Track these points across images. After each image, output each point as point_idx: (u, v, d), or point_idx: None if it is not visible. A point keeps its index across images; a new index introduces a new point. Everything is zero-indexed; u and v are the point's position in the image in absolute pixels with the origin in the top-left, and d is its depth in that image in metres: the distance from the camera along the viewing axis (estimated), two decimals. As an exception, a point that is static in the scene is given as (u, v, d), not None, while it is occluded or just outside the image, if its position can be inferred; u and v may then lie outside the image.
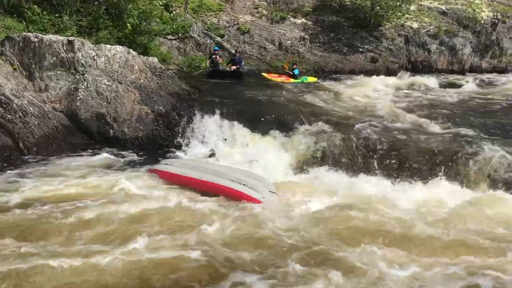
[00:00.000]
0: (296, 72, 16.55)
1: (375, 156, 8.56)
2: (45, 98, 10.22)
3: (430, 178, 7.97)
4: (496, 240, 5.86)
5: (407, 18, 23.15)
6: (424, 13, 24.20)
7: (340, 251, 5.47)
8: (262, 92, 12.81)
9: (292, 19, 22.07)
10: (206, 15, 20.85)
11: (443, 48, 22.40)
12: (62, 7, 14.04)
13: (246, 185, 7.19)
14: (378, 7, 21.79)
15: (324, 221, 6.34)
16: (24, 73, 10.33)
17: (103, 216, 6.29)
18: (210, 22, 20.11)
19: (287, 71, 16.82)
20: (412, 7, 23.82)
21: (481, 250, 5.53)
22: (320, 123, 9.68)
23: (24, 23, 13.02)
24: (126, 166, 8.79)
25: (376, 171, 8.32)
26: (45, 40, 10.41)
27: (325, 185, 7.75)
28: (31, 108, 9.56)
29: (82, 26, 14.36)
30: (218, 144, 9.85)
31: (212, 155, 9.53)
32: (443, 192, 7.48)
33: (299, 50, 20.33)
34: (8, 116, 9.00)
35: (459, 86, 17.28)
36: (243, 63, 16.03)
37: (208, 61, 15.72)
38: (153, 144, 10.08)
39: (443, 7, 24.93)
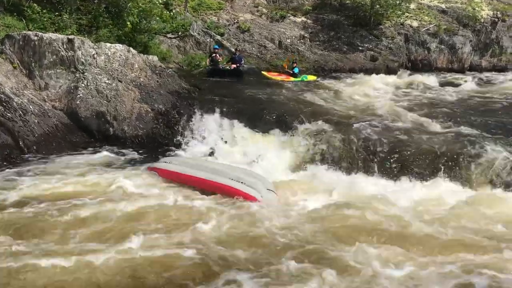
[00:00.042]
0: (296, 70, 16.56)
1: (375, 156, 8.55)
2: (45, 97, 10.23)
3: (430, 177, 7.96)
4: (495, 239, 5.84)
5: (407, 16, 23.14)
6: (424, 12, 24.18)
7: (335, 250, 5.46)
8: (262, 91, 12.82)
9: (292, 17, 22.07)
10: (206, 14, 20.85)
11: (443, 46, 22.39)
12: (62, 5, 14.03)
13: (244, 183, 7.19)
14: (378, 6, 21.78)
15: (321, 220, 6.33)
16: (24, 72, 10.34)
17: (100, 214, 6.28)
18: (210, 21, 20.12)
19: (287, 70, 16.84)
20: (412, 6, 23.79)
21: (479, 249, 5.51)
22: (320, 122, 9.68)
23: (24, 22, 13.01)
24: (126, 164, 8.81)
25: (376, 170, 8.31)
26: (45, 38, 10.42)
27: (324, 184, 7.75)
28: (31, 107, 9.57)
29: (82, 25, 14.36)
30: (218, 143, 9.87)
31: (212, 153, 9.56)
32: (443, 192, 7.46)
33: (299, 48, 20.33)
34: (8, 114, 9.01)
35: (459, 84, 17.28)
36: (243, 61, 16.03)
37: (208, 60, 15.73)
38: (153, 142, 10.10)
39: (443, 6, 24.91)
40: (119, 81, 10.87)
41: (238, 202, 6.90)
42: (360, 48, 21.21)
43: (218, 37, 18.81)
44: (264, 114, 10.40)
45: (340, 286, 4.73)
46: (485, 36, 23.61)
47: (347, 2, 23.17)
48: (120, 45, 11.81)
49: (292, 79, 16.13)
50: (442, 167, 8.05)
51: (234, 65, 15.51)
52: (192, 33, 18.17)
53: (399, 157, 8.44)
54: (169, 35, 17.47)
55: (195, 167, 7.90)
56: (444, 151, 8.33)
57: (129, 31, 14.12)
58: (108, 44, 11.57)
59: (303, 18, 22.30)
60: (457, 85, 17.09)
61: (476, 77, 19.36)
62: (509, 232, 6.12)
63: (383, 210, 6.62)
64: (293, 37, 20.86)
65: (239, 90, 12.96)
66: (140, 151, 9.63)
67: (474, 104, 13.32)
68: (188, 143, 10.06)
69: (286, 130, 9.70)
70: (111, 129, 10.13)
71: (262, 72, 16.73)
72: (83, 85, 10.43)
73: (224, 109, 10.53)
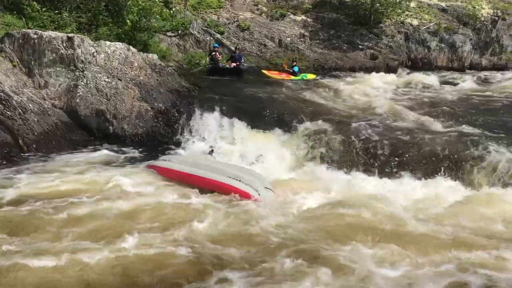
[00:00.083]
0: (296, 69, 16.56)
1: (375, 155, 8.54)
2: (45, 95, 10.22)
3: (430, 177, 7.93)
4: (493, 238, 5.82)
5: (407, 15, 23.12)
6: (424, 10, 24.16)
7: (331, 249, 5.42)
8: (262, 89, 12.81)
9: (292, 16, 22.04)
10: (205, 12, 20.82)
11: (443, 45, 22.37)
12: (62, 3, 14.03)
13: (242, 181, 7.19)
14: (378, 4, 21.76)
15: (318, 219, 6.30)
16: (24, 70, 10.33)
17: (95, 212, 6.26)
18: (210, 19, 20.09)
19: (287, 69, 16.84)
20: (412, 4, 23.77)
21: (475, 248, 5.47)
22: (319, 121, 9.69)
23: (24, 20, 13.01)
24: (125, 163, 8.81)
25: (375, 170, 8.31)
26: (44, 36, 10.41)
27: (323, 183, 7.73)
28: (30, 105, 9.56)
29: (82, 23, 14.35)
30: (218, 141, 9.87)
31: (211, 152, 9.56)
32: (443, 192, 7.43)
33: (299, 47, 20.31)
34: (8, 112, 9.00)
35: (459, 83, 17.26)
36: (242, 60, 16.02)
37: (207, 58, 15.72)
38: (152, 141, 10.10)
39: (443, 4, 24.89)
40: (119, 79, 10.86)
41: (236, 200, 6.89)
42: (360, 46, 21.19)
43: (218, 36, 18.79)
44: (264, 113, 10.40)
45: (334, 285, 4.70)
46: (485, 35, 23.60)
47: (347, 0, 23.17)
48: (120, 43, 11.81)
49: (292, 77, 16.14)
50: (443, 167, 8.02)
51: (234, 64, 15.50)
52: (192, 32, 18.16)
53: (399, 156, 8.44)
54: (169, 34, 17.47)
55: (193, 165, 7.90)
56: (445, 151, 8.29)
57: (128, 29, 14.11)
58: (108, 43, 11.56)
59: (303, 17, 22.27)
60: (457, 84, 17.08)
61: (476, 75, 19.35)
62: (507, 231, 6.11)
63: (381, 209, 6.59)
64: (293, 35, 20.84)
65: (239, 88, 12.95)
66: (140, 150, 9.63)
67: (474, 103, 13.28)
68: (187, 141, 10.06)
69: (285, 129, 9.71)
70: (110, 127, 10.13)
71: (263, 71, 16.74)
72: (82, 83, 10.42)
73: (224, 108, 10.53)
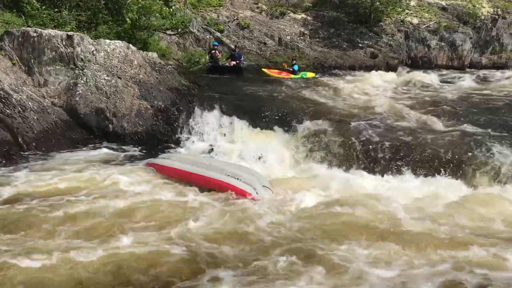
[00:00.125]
0: (296, 68, 16.55)
1: (374, 153, 8.52)
2: (44, 93, 10.22)
3: (430, 175, 7.92)
4: (491, 237, 5.80)
5: (407, 13, 23.09)
6: (424, 9, 24.14)
7: (327, 248, 5.38)
8: (261, 88, 12.80)
9: (292, 14, 22.02)
10: (205, 10, 20.79)
11: (443, 43, 22.35)
12: (61, 1, 14.02)
13: (240, 179, 7.19)
14: (378, 3, 21.72)
15: (315, 218, 6.28)
16: (23, 68, 10.33)
17: (91, 210, 6.24)
18: (209, 17, 20.06)
19: (287, 68, 16.84)
20: (412, 3, 23.76)
21: (473, 247, 5.43)
22: (319, 120, 9.67)
23: (23, 18, 13.00)
24: (125, 161, 8.82)
25: (375, 168, 8.29)
26: (44, 35, 10.40)
27: (323, 182, 7.71)
28: (30, 103, 9.56)
29: (81, 21, 14.34)
30: (218, 140, 9.87)
31: (211, 150, 9.55)
32: (442, 190, 7.39)
33: (299, 45, 20.29)
34: (7, 111, 9.00)
35: (459, 82, 17.24)
36: (242, 58, 16.00)
37: (207, 56, 15.71)
38: (152, 139, 10.09)
39: (443, 3, 24.87)
40: (119, 77, 10.86)
41: (233, 199, 6.88)
42: (360, 45, 21.17)
43: (218, 34, 18.77)
44: (264, 111, 10.39)
45: (327, 285, 4.66)
46: (485, 34, 23.58)
47: (347, -2, 23.14)
48: (120, 41, 11.81)
49: (292, 76, 16.12)
50: (443, 166, 8.00)
51: (234, 62, 15.49)
52: (191, 30, 18.13)
53: (398, 155, 8.41)
54: (168, 32, 17.44)
55: (192, 163, 7.91)
56: (446, 149, 8.28)
57: (128, 27, 14.10)
58: (108, 41, 11.56)
59: (303, 15, 22.25)
60: (457, 83, 17.05)
61: (476, 74, 19.30)
62: (506, 230, 6.09)
63: (379, 208, 6.58)
64: (293, 34, 20.82)
65: (239, 87, 12.95)
66: (140, 148, 9.64)
67: (474, 101, 13.20)
68: (187, 140, 10.06)
69: (285, 128, 9.70)
70: (110, 125, 10.12)
71: (263, 69, 16.73)
72: (82, 81, 10.41)
73: (224, 106, 10.53)
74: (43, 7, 13.20)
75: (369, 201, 6.79)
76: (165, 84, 11.48)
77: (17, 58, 10.28)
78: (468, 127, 9.51)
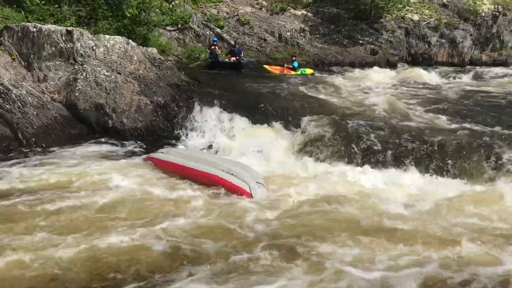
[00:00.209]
0: (296, 64, 16.56)
1: (372, 150, 8.48)
2: (44, 89, 10.21)
3: (427, 172, 7.90)
4: (486, 234, 5.74)
5: (407, 10, 23.08)
6: (424, 5, 24.12)
7: (311, 245, 5.28)
8: (261, 84, 12.79)
9: (292, 10, 22.00)
10: (205, 6, 20.76)
11: (443, 40, 22.34)
12: (61, -3, 14.00)
13: (235, 175, 7.15)
14: (378, -1, 21.73)
15: (306, 215, 6.18)
16: (23, 63, 10.31)
17: (80, 205, 6.12)
18: (209, 13, 20.04)
19: (287, 65, 16.85)
20: (413, -1, 23.77)
21: (464, 244, 5.35)
22: (318, 116, 9.64)
23: (23, 13, 12.98)
24: (123, 156, 8.77)
25: (373, 165, 8.21)
26: (43, 30, 10.38)
27: (320, 179, 7.63)
28: (29, 99, 9.55)
29: (81, 16, 14.32)
30: (217, 136, 9.87)
31: (210, 146, 9.56)
32: (440, 187, 7.36)
33: (299, 41, 20.28)
34: (7, 106, 9.00)
35: (458, 79, 17.26)
36: (242, 54, 16.01)
37: (207, 52, 15.71)
38: (152, 135, 10.09)
39: (444, 0, 24.84)
40: (118, 73, 10.85)
41: (225, 194, 6.82)
42: (360, 41, 21.17)
43: (218, 30, 18.76)
44: (264, 107, 10.39)
45: (306, 281, 4.59)
46: (485, 30, 23.57)
47: (348, -5, 23.11)
48: (119, 37, 11.78)
49: (292, 72, 16.14)
50: (440, 162, 7.97)
51: (234, 58, 15.49)
52: (191, 26, 18.13)
53: (396, 151, 8.36)
54: (168, 28, 17.44)
55: (189, 157, 7.91)
56: (443, 145, 8.23)
57: (128, 23, 14.09)
58: (107, 36, 11.53)
59: (303, 11, 22.22)
60: (456, 79, 17.07)
61: (477, 71, 19.31)
62: (505, 227, 6.06)
63: (373, 205, 6.50)
64: (293, 30, 20.80)
65: (239, 83, 12.94)
66: (139, 144, 9.62)
67: (474, 98, 13.20)
68: (187, 135, 10.05)
69: (285, 124, 9.69)
70: (110, 121, 10.12)
71: (264, 66, 16.75)
72: (82, 77, 10.40)
73: (224, 102, 10.52)
74: (43, 2, 13.18)
75: (364, 198, 6.73)
76: (164, 80, 11.47)
77: (16, 53, 10.26)
78: (467, 124, 9.52)
